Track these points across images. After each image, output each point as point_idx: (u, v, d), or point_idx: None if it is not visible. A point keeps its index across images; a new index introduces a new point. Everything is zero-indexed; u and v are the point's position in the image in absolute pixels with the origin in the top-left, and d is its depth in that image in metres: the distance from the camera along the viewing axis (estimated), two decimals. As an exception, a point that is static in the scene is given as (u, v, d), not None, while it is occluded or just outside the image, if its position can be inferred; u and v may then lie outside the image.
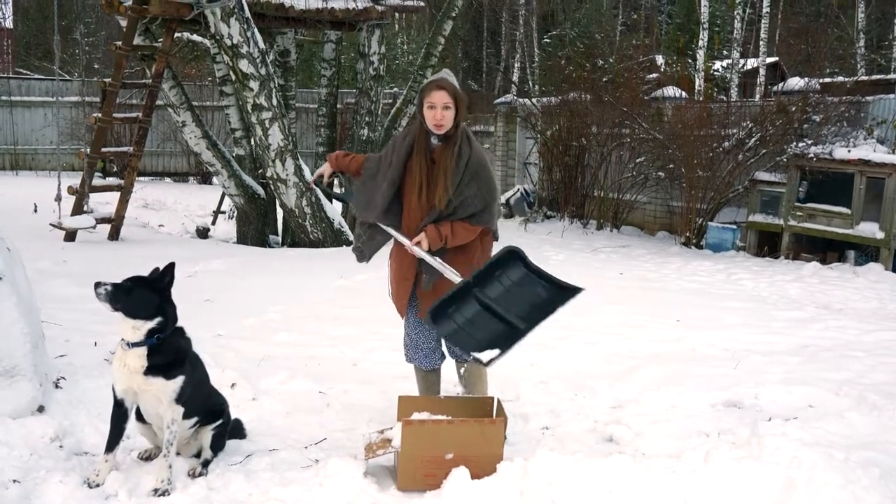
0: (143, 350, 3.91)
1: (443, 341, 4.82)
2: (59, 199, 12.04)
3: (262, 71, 11.53)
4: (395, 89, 20.96)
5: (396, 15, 18.53)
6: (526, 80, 27.63)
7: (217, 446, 4.29)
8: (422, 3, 15.09)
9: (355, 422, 5.00)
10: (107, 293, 3.83)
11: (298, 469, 4.19)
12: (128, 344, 3.91)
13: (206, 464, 4.18)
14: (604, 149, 16.40)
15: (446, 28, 14.72)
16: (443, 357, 4.96)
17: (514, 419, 5.20)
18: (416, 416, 4.18)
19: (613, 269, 11.52)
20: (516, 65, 30.43)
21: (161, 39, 12.31)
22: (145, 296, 3.90)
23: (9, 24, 35.60)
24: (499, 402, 4.42)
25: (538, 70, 27.17)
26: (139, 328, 3.89)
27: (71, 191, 12.06)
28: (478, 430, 4.05)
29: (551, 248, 13.74)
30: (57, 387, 4.96)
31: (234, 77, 11.71)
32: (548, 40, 28.57)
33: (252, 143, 13.05)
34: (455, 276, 4.44)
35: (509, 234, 15.48)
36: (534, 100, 18.61)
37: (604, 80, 16.96)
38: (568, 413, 5.34)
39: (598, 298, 9.25)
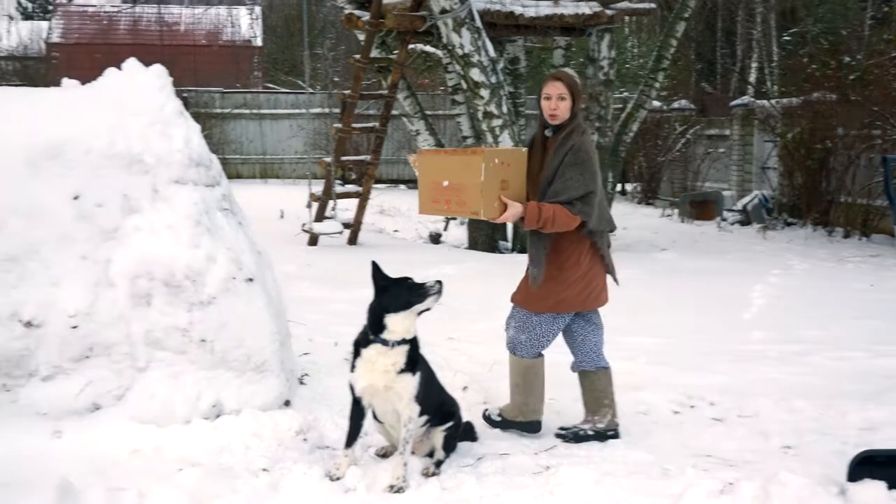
0: (406, 347, 4.06)
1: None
2: (309, 205, 12.75)
3: (493, 79, 11.69)
4: (626, 94, 20.64)
5: (626, 18, 18.22)
6: (764, 81, 26.46)
7: (449, 447, 4.36)
8: (653, 6, 14.76)
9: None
10: (441, 286, 4.04)
11: (529, 475, 4.17)
12: (392, 343, 4.05)
13: (438, 464, 4.26)
14: (851, 152, 15.39)
15: (679, 30, 14.34)
16: None
17: (752, 436, 4.97)
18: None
19: (863, 281, 10.76)
20: (753, 65, 29.19)
21: (396, 51, 12.75)
22: None
23: (259, 42, 38.10)
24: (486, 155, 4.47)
25: (777, 70, 25.96)
26: (415, 324, 4.10)
27: (314, 198, 12.72)
28: (463, 160, 4.50)
29: (793, 256, 13.04)
30: (301, 383, 5.23)
31: (465, 86, 11.93)
32: (788, 38, 27.21)
33: (483, 150, 13.25)
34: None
35: (747, 242, 14.87)
36: (772, 101, 17.79)
37: (851, 78, 15.93)
38: (812, 433, 5.00)
39: (844, 312, 8.69)
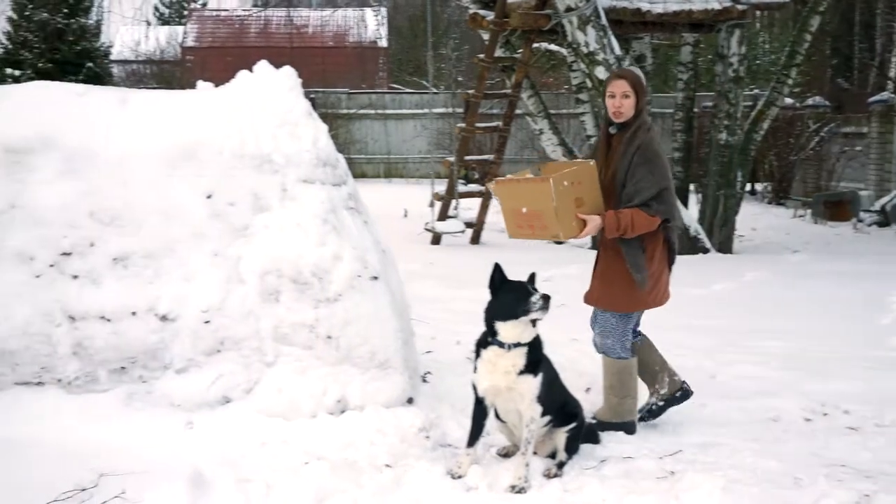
0: (525, 349, 4.07)
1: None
2: (432, 204, 12.88)
3: (619, 77, 11.51)
4: (756, 91, 20.02)
5: (758, 13, 17.70)
6: (905, 76, 25.31)
7: (571, 449, 4.31)
8: (786, -1, 14.29)
9: (716, 436, 4.81)
10: (546, 302, 4.03)
11: (653, 479, 4.08)
12: (508, 346, 4.06)
13: (560, 465, 4.22)
14: None
15: (813, 24, 13.81)
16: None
17: (890, 447, 4.74)
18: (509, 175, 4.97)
19: None
20: (893, 59, 27.93)
21: (520, 50, 12.72)
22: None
23: (384, 43, 38.63)
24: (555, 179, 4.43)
25: (920, 64, 24.76)
26: (532, 328, 4.10)
27: (437, 197, 12.83)
28: (535, 188, 4.54)
29: (935, 259, 12.43)
30: (424, 381, 5.27)
31: (590, 84, 11.82)
32: (931, 31, 25.94)
33: (607, 149, 13.10)
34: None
35: (885, 244, 14.26)
36: (914, 97, 17.01)
37: None
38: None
39: None
